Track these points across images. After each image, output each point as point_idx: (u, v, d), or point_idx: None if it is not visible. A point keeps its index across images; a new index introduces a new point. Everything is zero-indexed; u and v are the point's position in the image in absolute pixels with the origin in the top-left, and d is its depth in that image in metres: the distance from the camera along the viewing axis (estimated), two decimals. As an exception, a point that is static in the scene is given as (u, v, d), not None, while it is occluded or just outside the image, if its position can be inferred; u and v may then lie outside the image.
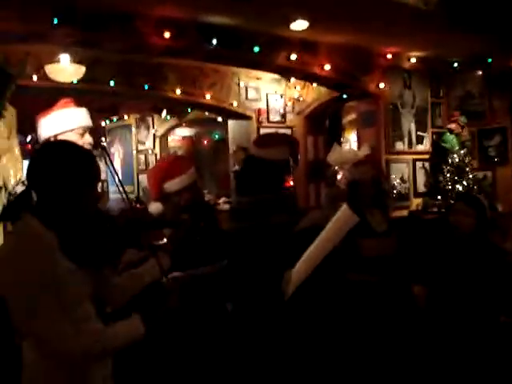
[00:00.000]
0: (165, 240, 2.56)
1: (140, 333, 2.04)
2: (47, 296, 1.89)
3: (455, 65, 7.82)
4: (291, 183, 8.14)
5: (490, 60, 7.45)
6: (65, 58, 5.87)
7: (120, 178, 2.45)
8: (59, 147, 2.11)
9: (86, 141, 3.39)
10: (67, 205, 2.00)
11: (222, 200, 10.65)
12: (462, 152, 7.30)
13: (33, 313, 1.88)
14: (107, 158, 2.39)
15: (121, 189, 2.30)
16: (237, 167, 8.07)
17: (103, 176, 12.54)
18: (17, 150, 5.23)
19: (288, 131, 8.57)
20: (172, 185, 3.46)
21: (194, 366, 3.40)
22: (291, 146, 4.02)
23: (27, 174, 2.03)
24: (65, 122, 3.40)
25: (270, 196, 3.90)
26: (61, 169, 1.98)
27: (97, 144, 3.56)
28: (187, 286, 3.27)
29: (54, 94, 6.48)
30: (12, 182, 4.89)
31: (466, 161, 7.28)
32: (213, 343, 3.46)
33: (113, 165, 2.38)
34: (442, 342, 3.65)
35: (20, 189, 3.05)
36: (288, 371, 3.74)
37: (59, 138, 3.32)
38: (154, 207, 3.42)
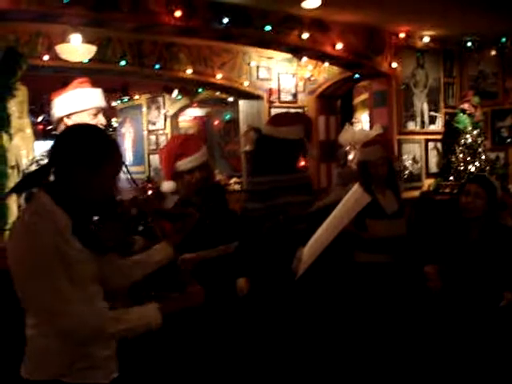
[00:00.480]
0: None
1: (156, 322, 2.03)
2: (58, 272, 1.91)
3: (469, 44, 7.73)
4: (304, 163, 8.20)
5: (503, 39, 7.38)
6: (76, 37, 5.85)
7: (129, 158, 2.46)
8: (85, 131, 2.11)
9: (99, 121, 3.39)
10: (87, 188, 2.01)
11: (232, 180, 10.66)
12: (475, 132, 7.25)
13: (44, 288, 1.89)
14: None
15: (127, 173, 2.30)
16: (248, 147, 8.06)
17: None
18: (28, 130, 5.25)
19: (299, 111, 8.53)
20: (184, 164, 3.47)
21: (206, 347, 3.42)
22: (305, 125, 4.01)
23: (51, 152, 2.05)
24: (79, 102, 3.40)
25: (285, 176, 3.90)
26: (83, 153, 1.99)
27: (108, 124, 3.57)
28: (198, 267, 3.30)
29: (64, 74, 6.52)
30: (24, 161, 4.91)
31: (479, 141, 7.24)
32: (225, 322, 3.48)
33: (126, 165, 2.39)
34: (451, 322, 3.65)
35: (34, 168, 3.06)
36: (297, 349, 3.77)
37: (72, 117, 3.32)
38: (167, 186, 3.44)
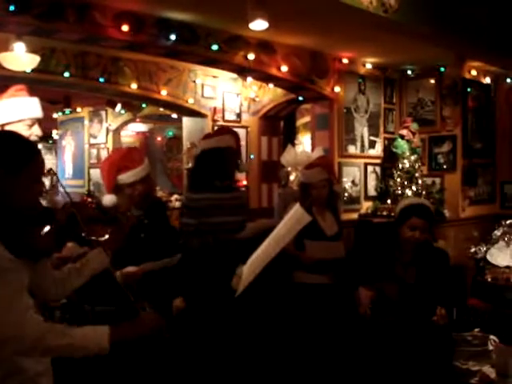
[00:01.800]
0: (107, 236, 2.53)
1: (102, 345, 1.94)
2: None
3: (409, 72, 7.98)
4: (245, 183, 8.24)
5: (442, 69, 7.63)
6: (19, 46, 5.75)
7: (69, 171, 2.43)
8: (5, 137, 2.11)
9: (34, 132, 3.29)
10: (10, 195, 1.98)
11: (173, 197, 10.60)
12: (413, 158, 7.43)
13: None
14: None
15: (59, 183, 2.27)
16: (190, 164, 8.06)
17: (54, 168, 12.39)
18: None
19: (243, 131, 8.59)
20: (126, 177, 3.45)
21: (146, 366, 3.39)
22: (235, 137, 4.14)
23: None
24: (13, 112, 3.29)
25: (222, 195, 3.95)
26: (5, 158, 1.97)
27: (47, 136, 3.51)
28: (140, 280, 3.28)
29: (7, 83, 6.39)
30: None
31: (416, 167, 7.42)
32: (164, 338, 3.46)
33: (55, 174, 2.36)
34: (387, 346, 3.72)
35: None
36: (236, 365, 3.78)
37: (6, 128, 3.22)
38: (108, 199, 3.40)
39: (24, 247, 2.02)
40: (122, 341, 2.00)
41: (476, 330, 4.44)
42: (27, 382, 2.03)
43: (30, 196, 2.04)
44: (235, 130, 4.63)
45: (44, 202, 2.41)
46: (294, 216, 3.22)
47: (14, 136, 2.15)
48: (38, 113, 3.40)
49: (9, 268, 1.93)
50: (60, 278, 2.32)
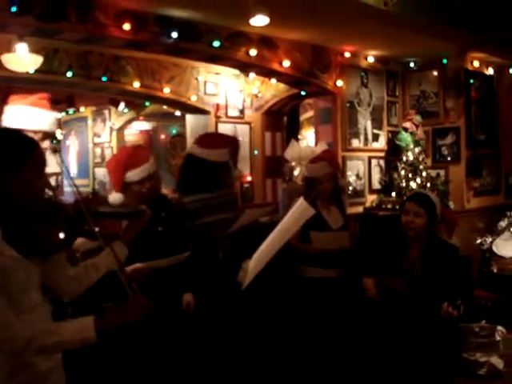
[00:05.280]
0: (123, 229, 2.54)
1: (90, 336, 1.96)
2: None
3: (411, 65, 7.97)
4: (249, 178, 8.26)
5: (445, 61, 7.62)
6: (21, 47, 5.76)
7: (72, 171, 2.43)
8: (2, 135, 2.10)
9: (44, 145, 3.33)
10: (7, 193, 1.98)
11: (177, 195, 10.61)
12: (417, 150, 7.42)
13: None
14: (60, 155, 2.37)
15: (70, 182, 2.27)
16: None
17: (57, 169, 12.40)
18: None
19: (246, 127, 8.60)
20: (134, 174, 3.46)
21: (153, 359, 3.41)
22: (232, 148, 4.10)
23: None
24: (30, 121, 3.33)
25: (211, 194, 3.96)
26: (3, 156, 1.98)
27: (51, 136, 3.52)
28: (148, 277, 3.29)
29: (10, 84, 6.42)
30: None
31: (420, 159, 7.41)
32: (172, 335, 3.48)
33: (63, 160, 2.35)
34: (395, 338, 3.73)
35: None
36: (246, 361, 3.79)
37: None
38: (115, 198, 3.41)
39: (32, 245, 2.03)
40: (109, 328, 2.01)
41: (483, 321, 4.46)
42: (36, 377, 2.04)
43: (33, 192, 2.05)
44: (238, 126, 4.58)
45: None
46: (298, 209, 3.25)
47: (10, 133, 2.14)
48: (53, 128, 3.43)
49: (12, 267, 1.94)
50: (76, 273, 2.33)
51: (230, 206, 4.12)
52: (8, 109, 3.38)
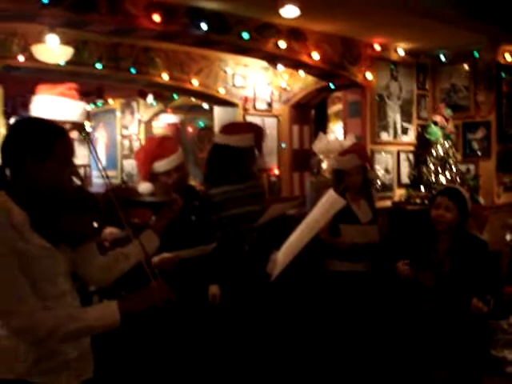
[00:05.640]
0: (153, 219, 2.54)
1: (114, 320, 1.99)
2: (12, 270, 1.89)
3: (442, 58, 7.87)
4: (276, 172, 8.26)
5: (476, 54, 7.51)
6: (52, 38, 5.81)
7: (102, 162, 2.41)
8: (29, 123, 2.12)
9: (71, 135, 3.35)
10: (35, 180, 2.00)
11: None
12: (446, 144, 7.35)
13: None
14: (89, 143, 2.37)
15: (103, 173, 2.26)
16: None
17: (86, 161, 12.51)
18: (2, 130, 5.21)
19: (274, 120, 8.58)
20: (162, 165, 3.46)
21: (179, 350, 3.41)
22: (256, 135, 4.09)
23: (1, 151, 2.04)
24: (58, 111, 3.35)
25: (237, 186, 3.95)
26: (30, 144, 1.99)
27: (81, 127, 3.54)
28: (177, 267, 3.29)
29: (41, 75, 6.47)
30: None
31: (450, 153, 7.34)
32: (199, 325, 3.48)
33: (95, 149, 2.35)
34: (424, 333, 3.69)
35: None
36: (273, 354, 3.79)
37: None
38: (144, 187, 3.42)
39: (60, 233, 2.04)
40: (132, 312, 2.04)
41: (512, 317, 4.40)
42: (64, 366, 2.06)
43: (60, 180, 2.05)
44: (266, 119, 4.57)
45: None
46: (328, 201, 3.23)
47: (37, 121, 2.16)
48: (81, 118, 3.44)
49: (39, 255, 1.96)
50: (106, 263, 2.34)
51: (256, 198, 4.11)
52: (36, 99, 3.40)
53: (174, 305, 2.11)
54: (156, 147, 3.54)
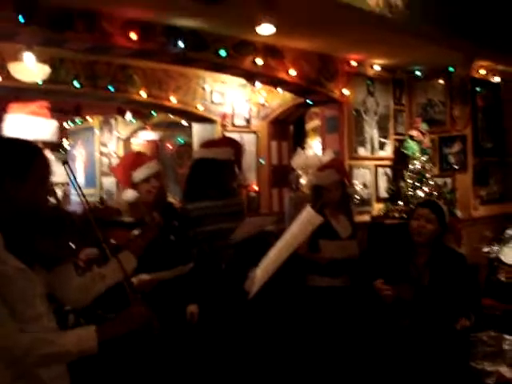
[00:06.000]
0: (134, 238, 2.54)
1: (91, 346, 1.94)
2: None
3: (417, 73, 7.97)
4: (255, 188, 8.25)
5: (451, 69, 7.61)
6: (29, 56, 5.78)
7: (80, 182, 2.40)
8: (5, 143, 2.10)
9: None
10: (12, 201, 1.97)
11: (185, 204, 10.58)
12: (423, 159, 7.42)
13: None
14: (65, 164, 2.35)
15: (78, 191, 2.25)
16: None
17: (64, 179, 12.43)
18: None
19: (253, 136, 8.60)
20: (140, 173, 3.50)
21: (158, 370, 3.39)
22: (235, 149, 4.12)
23: None
24: (30, 130, 3.35)
25: (216, 202, 3.96)
26: (8, 164, 1.97)
27: (58, 146, 3.54)
28: (155, 289, 3.28)
29: (17, 94, 6.44)
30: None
31: (427, 167, 7.41)
32: (177, 344, 3.46)
33: (71, 169, 2.33)
34: (404, 347, 3.70)
35: None
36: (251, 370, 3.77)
37: None
38: (129, 194, 3.44)
39: (35, 255, 2.01)
40: (111, 337, 1.99)
41: (491, 330, 4.43)
42: None
43: (38, 200, 2.03)
44: (245, 135, 4.61)
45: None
46: (306, 217, 3.24)
47: (14, 141, 2.13)
48: (54, 137, 3.44)
49: (14, 277, 1.93)
50: (83, 283, 2.31)
51: (235, 215, 4.12)
52: (8, 118, 3.40)
53: (155, 329, 2.09)
54: (133, 158, 3.65)
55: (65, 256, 2.14)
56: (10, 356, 1.89)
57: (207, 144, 4.17)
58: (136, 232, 2.59)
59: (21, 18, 4.70)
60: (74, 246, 2.14)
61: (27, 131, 3.31)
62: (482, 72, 7.74)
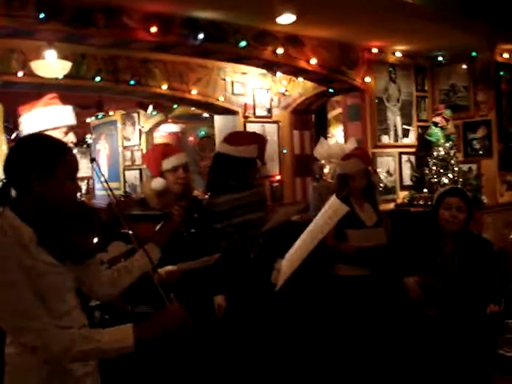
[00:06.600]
0: (156, 231, 2.55)
1: (128, 345, 1.96)
2: (21, 287, 1.88)
3: (440, 58, 7.89)
4: (278, 177, 8.25)
5: (474, 54, 7.53)
6: (50, 53, 5.82)
7: (105, 174, 2.44)
8: (32, 140, 2.12)
9: (69, 140, 3.40)
10: (42, 197, 2.00)
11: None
12: (447, 145, 7.35)
13: (6, 304, 1.88)
14: (93, 163, 2.37)
15: (105, 184, 2.27)
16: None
17: (88, 173, 12.51)
18: (4, 147, 5.22)
19: (274, 126, 8.59)
20: (169, 162, 3.54)
21: (187, 361, 3.41)
22: (260, 145, 4.10)
23: (4, 169, 2.04)
24: (49, 120, 3.39)
25: (240, 194, 3.96)
26: (35, 161, 1.99)
27: (81, 141, 3.60)
28: (180, 280, 3.29)
29: (40, 91, 6.48)
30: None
31: (451, 154, 7.34)
32: (205, 336, 3.47)
33: (98, 166, 2.35)
34: (432, 336, 3.68)
35: None
36: (280, 362, 3.78)
37: None
38: (157, 183, 3.48)
39: (66, 250, 2.04)
40: (147, 338, 2.00)
41: (520, 316, 4.38)
42: (73, 382, 2.06)
43: (66, 196, 2.05)
44: (267, 125, 4.57)
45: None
46: (331, 207, 3.22)
47: (41, 138, 2.17)
48: (73, 120, 3.49)
49: (46, 272, 1.96)
50: (110, 277, 2.33)
51: (258, 205, 4.11)
52: (24, 118, 3.44)
53: (190, 329, 2.10)
54: (162, 148, 3.72)
55: (94, 250, 2.16)
56: (49, 352, 1.91)
57: (230, 140, 4.12)
58: (159, 225, 2.60)
59: (41, 15, 4.74)
60: (101, 241, 2.16)
61: (47, 122, 3.34)
62: (506, 55, 7.64)
